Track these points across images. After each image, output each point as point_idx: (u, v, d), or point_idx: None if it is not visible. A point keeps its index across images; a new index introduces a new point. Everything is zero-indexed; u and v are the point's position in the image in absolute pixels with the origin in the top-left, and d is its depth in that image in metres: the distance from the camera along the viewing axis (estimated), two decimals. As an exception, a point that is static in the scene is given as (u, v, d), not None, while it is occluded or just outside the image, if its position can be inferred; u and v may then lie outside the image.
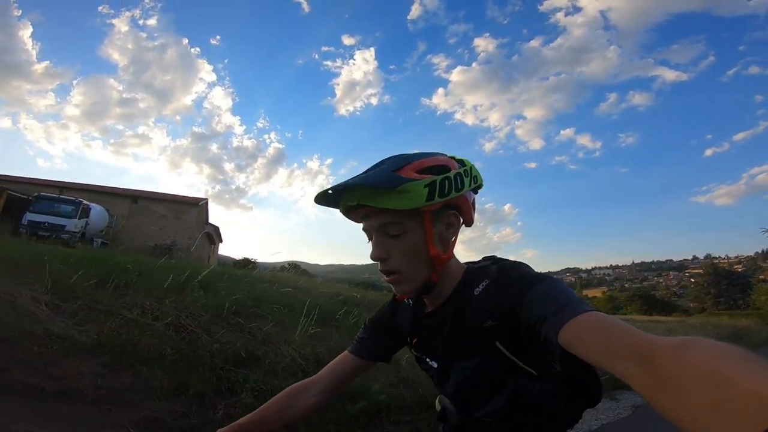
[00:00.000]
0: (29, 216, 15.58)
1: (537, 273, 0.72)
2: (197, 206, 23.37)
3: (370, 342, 0.93)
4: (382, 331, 0.93)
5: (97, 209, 17.93)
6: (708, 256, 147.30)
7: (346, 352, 0.95)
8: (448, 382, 0.80)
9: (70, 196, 17.69)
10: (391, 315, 0.93)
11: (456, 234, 0.77)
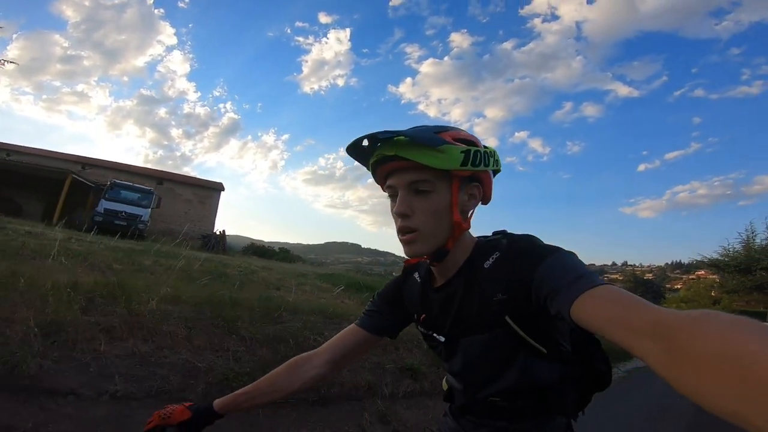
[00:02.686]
0: (105, 204, 15.05)
1: (548, 245, 0.70)
2: (220, 192, 24.13)
3: (379, 316, 0.91)
4: (390, 306, 0.91)
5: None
6: (625, 263, 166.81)
7: (353, 325, 0.93)
8: (455, 358, 0.79)
9: (144, 185, 17.41)
10: (399, 290, 0.91)
11: (475, 207, 0.77)
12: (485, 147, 0.75)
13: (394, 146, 0.69)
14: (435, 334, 0.82)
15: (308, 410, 2.80)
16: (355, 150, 0.74)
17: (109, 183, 15.95)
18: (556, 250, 0.66)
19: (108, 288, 3.28)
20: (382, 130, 0.69)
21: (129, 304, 3.09)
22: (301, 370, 0.89)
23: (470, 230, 0.79)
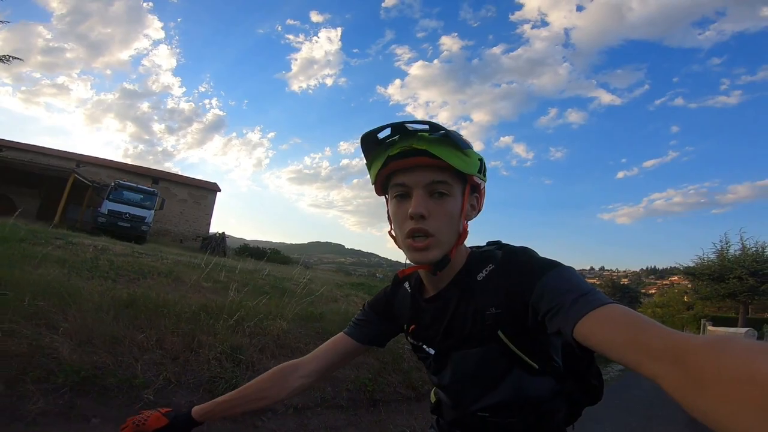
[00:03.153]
0: (109, 205, 14.77)
1: (546, 259, 0.66)
2: (215, 193, 24.02)
3: (367, 325, 0.90)
4: (379, 315, 0.90)
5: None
6: (602, 269, 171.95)
7: (341, 333, 0.92)
8: (445, 372, 0.78)
9: (147, 186, 17.27)
10: (389, 300, 0.90)
11: (473, 218, 0.76)
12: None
13: (423, 140, 0.65)
14: (425, 346, 0.80)
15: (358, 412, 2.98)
16: (370, 139, 0.69)
17: (113, 184, 15.75)
18: (556, 265, 0.63)
19: (231, 310, 3.60)
20: (411, 120, 0.65)
21: (261, 324, 3.48)
22: (288, 379, 0.87)
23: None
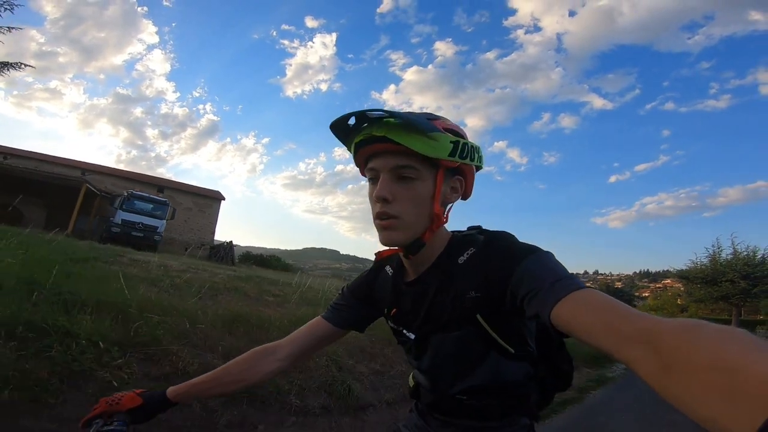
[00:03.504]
0: (122, 215, 15.01)
1: (526, 244, 0.67)
2: (220, 201, 24.29)
3: (346, 309, 0.90)
4: (359, 300, 0.89)
5: None
6: (596, 272, 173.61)
7: (319, 317, 0.91)
8: (425, 356, 0.78)
9: (160, 196, 17.50)
10: (369, 284, 0.89)
11: (454, 202, 0.76)
12: (475, 144, 0.73)
13: (383, 127, 0.66)
14: (405, 331, 0.80)
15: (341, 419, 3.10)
16: (339, 128, 0.71)
17: (126, 194, 15.94)
18: (535, 250, 0.64)
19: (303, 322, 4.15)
20: (373, 108, 0.66)
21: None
22: (262, 362, 0.87)
23: (446, 225, 0.76)
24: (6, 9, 10.80)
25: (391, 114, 0.66)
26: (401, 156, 0.67)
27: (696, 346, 0.35)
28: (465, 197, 0.77)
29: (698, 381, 0.33)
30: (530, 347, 0.75)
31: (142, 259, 6.63)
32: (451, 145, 0.68)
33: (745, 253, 21.21)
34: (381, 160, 0.69)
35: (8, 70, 11.70)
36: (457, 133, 0.71)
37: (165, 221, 16.27)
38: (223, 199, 24.56)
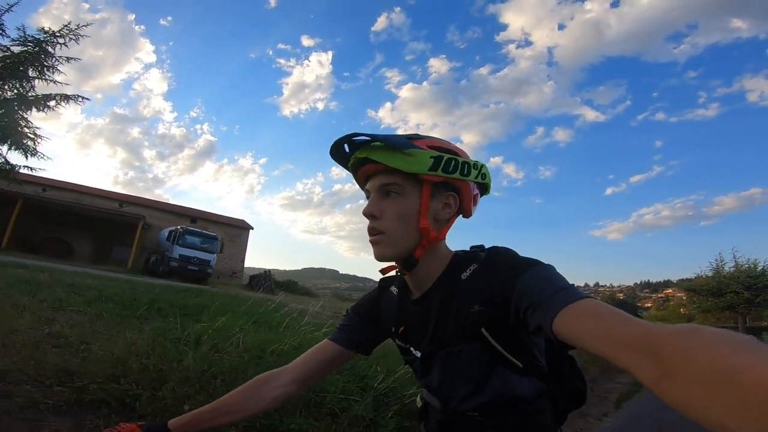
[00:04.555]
0: (180, 250, 15.97)
1: (527, 258, 0.68)
2: (248, 231, 25.24)
3: (353, 330, 0.89)
4: (364, 320, 0.89)
5: None
6: (597, 284, 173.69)
7: (326, 340, 0.90)
8: (432, 373, 0.78)
9: (211, 232, 18.49)
10: (374, 305, 0.90)
11: (452, 218, 0.76)
12: (473, 161, 0.75)
13: (366, 150, 0.71)
14: (412, 349, 0.80)
15: None
16: (336, 153, 0.77)
17: (181, 229, 17.04)
18: (536, 263, 0.65)
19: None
20: (359, 133, 0.71)
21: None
22: (265, 389, 0.85)
23: (448, 245, 0.78)
24: None
25: (373, 137, 0.71)
26: (387, 174, 0.72)
27: (694, 350, 0.35)
28: (465, 215, 0.78)
29: (698, 385, 0.33)
30: (540, 363, 0.74)
31: (269, 298, 6.84)
32: (431, 160, 0.70)
33: (746, 265, 22.76)
34: (373, 181, 0.74)
35: (67, 102, 12.60)
36: (443, 149, 0.73)
37: (216, 255, 17.36)
38: (251, 228, 25.53)
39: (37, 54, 12.05)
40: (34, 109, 12.23)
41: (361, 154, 0.72)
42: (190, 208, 26.28)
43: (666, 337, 0.39)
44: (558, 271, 0.64)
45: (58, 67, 12.54)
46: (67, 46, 12.48)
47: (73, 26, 12.47)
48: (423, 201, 0.71)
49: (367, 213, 0.73)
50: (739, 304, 21.95)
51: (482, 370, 0.72)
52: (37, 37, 11.91)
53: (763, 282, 21.36)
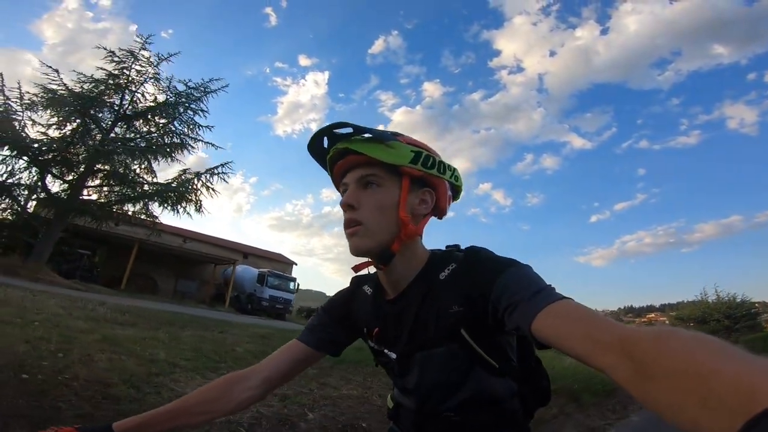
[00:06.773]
0: (269, 291, 18.96)
1: (505, 257, 0.68)
2: (292, 266, 27.65)
3: (322, 330, 0.86)
4: (335, 320, 0.87)
5: None
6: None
7: (294, 340, 0.87)
8: (409, 375, 0.77)
9: (289, 275, 21.59)
10: (346, 304, 0.88)
11: (428, 215, 0.76)
12: (448, 163, 0.76)
13: (346, 141, 0.71)
14: (386, 350, 0.79)
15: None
16: (314, 149, 0.76)
17: (267, 273, 20.00)
18: (514, 263, 0.65)
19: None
20: (341, 122, 0.71)
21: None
22: (237, 390, 0.79)
23: (424, 243, 0.78)
24: None
25: (356, 129, 0.70)
26: (366, 166, 0.72)
27: (668, 351, 0.36)
28: (439, 215, 0.79)
29: (672, 386, 0.33)
30: (513, 362, 0.75)
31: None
32: (412, 153, 0.70)
33: (726, 298, 27.24)
34: (350, 174, 0.74)
35: (212, 176, 14.98)
36: (422, 147, 0.74)
37: (294, 295, 20.58)
38: (295, 264, 27.97)
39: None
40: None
41: (341, 145, 0.72)
42: (241, 244, 28.09)
43: (644, 338, 0.39)
44: (536, 271, 0.64)
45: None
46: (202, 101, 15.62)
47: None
48: (402, 193, 0.71)
49: (345, 203, 0.72)
50: (719, 331, 26.02)
51: (460, 371, 0.72)
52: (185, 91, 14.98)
53: (741, 312, 25.73)
